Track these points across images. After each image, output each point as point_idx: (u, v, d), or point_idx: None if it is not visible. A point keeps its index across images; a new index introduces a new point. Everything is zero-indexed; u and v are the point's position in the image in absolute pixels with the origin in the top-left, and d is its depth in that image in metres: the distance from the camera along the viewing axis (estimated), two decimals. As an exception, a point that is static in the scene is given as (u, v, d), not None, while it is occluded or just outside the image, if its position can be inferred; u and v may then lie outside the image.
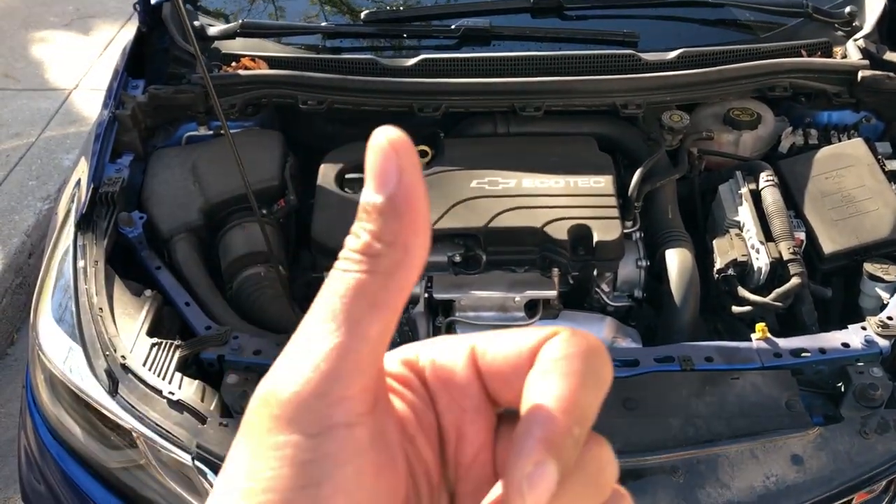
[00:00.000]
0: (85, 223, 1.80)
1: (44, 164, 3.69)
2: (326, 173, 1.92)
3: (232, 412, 1.49)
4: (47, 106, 4.11)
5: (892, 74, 2.01)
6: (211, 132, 2.10)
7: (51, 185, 3.54)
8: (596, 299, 1.83)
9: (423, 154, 1.98)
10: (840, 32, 2.20)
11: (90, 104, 4.13)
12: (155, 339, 1.60)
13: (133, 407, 1.48)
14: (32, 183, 3.55)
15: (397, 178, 0.37)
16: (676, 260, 1.78)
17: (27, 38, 4.78)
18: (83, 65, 4.48)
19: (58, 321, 1.64)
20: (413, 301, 1.78)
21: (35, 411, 1.68)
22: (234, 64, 2.11)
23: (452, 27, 2.16)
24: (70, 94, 4.21)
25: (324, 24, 2.27)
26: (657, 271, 1.85)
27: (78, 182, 1.93)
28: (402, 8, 2.33)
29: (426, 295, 1.76)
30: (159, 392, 1.49)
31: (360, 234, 0.38)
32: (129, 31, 4.80)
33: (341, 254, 0.37)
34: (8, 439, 2.76)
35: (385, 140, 0.37)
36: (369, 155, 0.37)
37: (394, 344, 1.39)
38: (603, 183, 1.85)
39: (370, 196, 0.37)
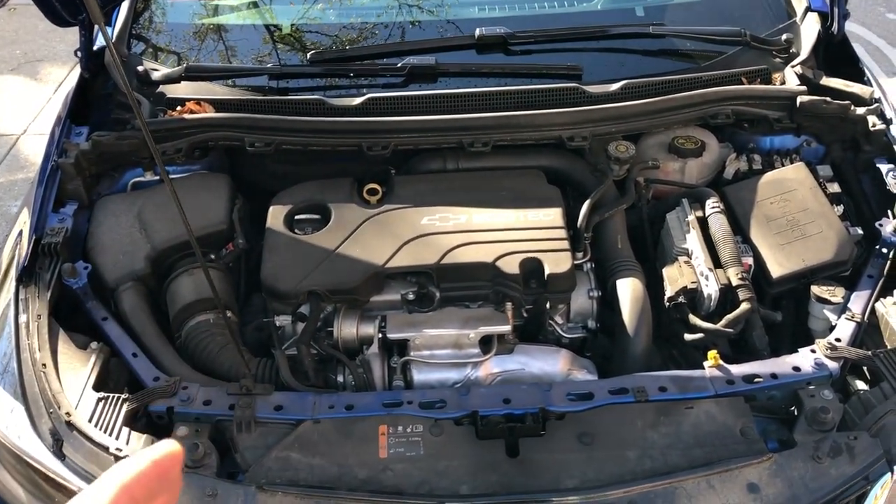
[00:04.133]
0: (27, 276, 1.75)
1: (-10, 211, 3.61)
2: (276, 215, 1.91)
3: (182, 466, 1.45)
4: (-6, 152, 4.04)
5: (829, 99, 2.06)
6: (157, 177, 2.07)
7: (-2, 233, 3.47)
8: (550, 332, 1.83)
9: (373, 192, 1.97)
10: (778, 59, 2.25)
11: (39, 150, 4.03)
12: (101, 394, 1.56)
13: (79, 466, 1.43)
14: (-21, 232, 3.47)
15: None
16: (628, 290, 1.79)
17: (-27, 83, 4.71)
18: (31, 110, 4.43)
19: (2, 384, 1.58)
20: (367, 342, 1.76)
21: (-23, 475, 1.62)
22: (179, 108, 2.09)
23: (399, 65, 2.16)
24: (18, 140, 4.15)
25: (270, 65, 2.26)
26: (609, 301, 1.85)
27: (20, 233, 1.88)
28: (347, 47, 2.33)
29: (380, 335, 1.75)
30: (106, 449, 1.45)
31: None
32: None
33: None
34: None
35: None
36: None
37: (349, 388, 1.37)
38: (552, 216, 1.86)
39: None
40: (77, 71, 2.16)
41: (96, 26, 2.17)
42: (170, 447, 0.61)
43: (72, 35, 2.04)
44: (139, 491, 0.58)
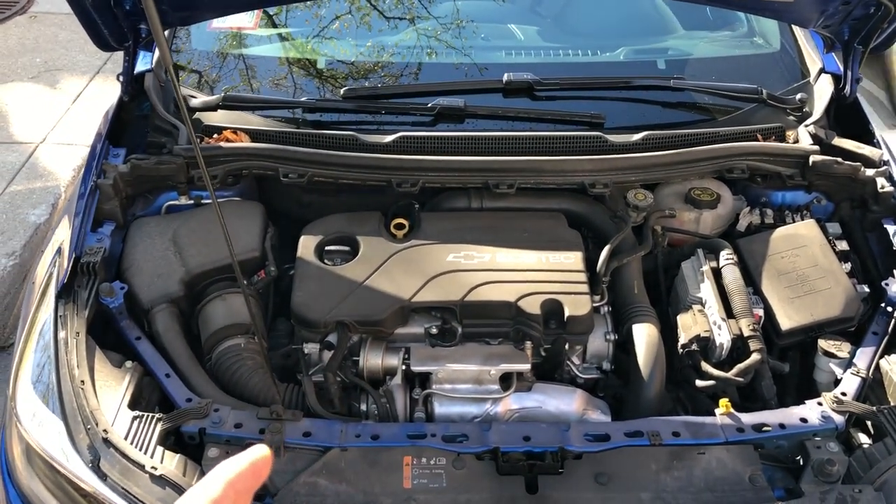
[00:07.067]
0: (66, 293, 1.81)
1: (9, 219, 3.66)
2: (306, 245, 1.98)
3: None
4: (13, 160, 4.09)
5: (840, 160, 2.15)
6: (191, 202, 2.14)
7: (16, 240, 3.52)
8: (566, 371, 1.90)
9: (400, 227, 2.05)
10: (792, 117, 2.34)
11: (57, 159, 4.14)
12: (136, 412, 1.61)
13: (115, 482, 1.48)
14: (-3, 238, 3.52)
15: None
16: (643, 335, 1.86)
17: (-7, 90, 4.77)
18: (50, 119, 4.48)
19: (40, 396, 1.64)
20: (391, 373, 1.82)
21: (10, 484, 1.67)
22: (216, 136, 2.16)
23: (429, 105, 2.25)
24: (37, 149, 4.21)
25: (304, 98, 2.34)
26: (623, 343, 1.92)
27: (59, 250, 1.94)
28: (380, 86, 2.42)
29: (404, 367, 1.81)
30: (142, 467, 1.51)
31: None
32: (97, 86, 4.86)
33: None
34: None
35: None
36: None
37: (371, 416, 1.47)
38: (573, 259, 1.94)
39: None
40: (100, 80, 2.23)
41: (139, 53, 2.25)
42: (263, 451, 0.70)
43: (92, 46, 2.09)
44: (241, 486, 0.66)
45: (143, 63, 2.37)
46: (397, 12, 2.73)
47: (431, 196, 2.18)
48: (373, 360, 1.83)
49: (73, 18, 2.00)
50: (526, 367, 1.81)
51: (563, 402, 1.79)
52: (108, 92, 4.78)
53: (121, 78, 2.28)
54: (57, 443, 1.55)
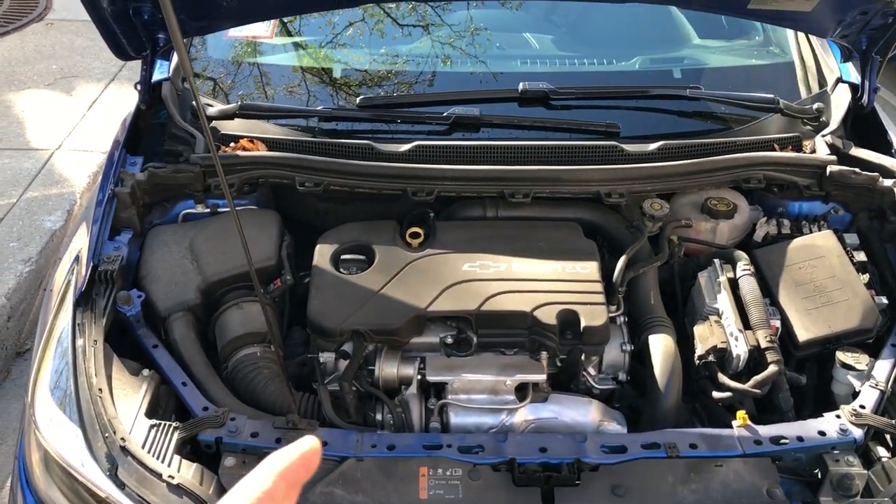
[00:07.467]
0: (84, 301, 1.82)
1: (25, 225, 3.69)
2: (322, 254, 1.98)
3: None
4: (29, 166, 4.13)
5: (857, 170, 2.14)
6: (208, 210, 2.15)
7: (32, 246, 3.55)
8: (582, 382, 1.90)
9: (415, 236, 2.05)
10: (808, 127, 2.33)
11: (73, 165, 4.17)
12: (154, 421, 1.62)
13: (133, 491, 1.49)
14: (13, 244, 3.55)
15: None
16: (660, 346, 1.85)
17: (10, 97, 4.81)
18: (66, 125, 4.52)
19: (58, 403, 1.65)
20: (406, 382, 1.82)
21: (28, 491, 1.68)
22: (232, 144, 2.17)
23: (444, 114, 2.25)
24: (52, 155, 4.24)
25: (320, 107, 2.35)
26: (639, 354, 1.92)
27: (77, 258, 1.95)
28: (395, 94, 2.43)
29: (419, 377, 1.81)
30: (159, 475, 1.51)
31: None
32: (113, 93, 4.89)
33: None
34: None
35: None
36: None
37: (387, 426, 1.48)
38: (589, 269, 1.93)
39: None
40: (115, 87, 2.23)
41: (156, 62, 2.26)
42: (313, 443, 0.70)
43: (107, 53, 2.11)
44: (292, 478, 0.67)
45: (160, 72, 2.38)
46: (412, 21, 2.74)
47: (446, 205, 2.18)
48: (388, 369, 1.83)
49: (89, 25, 2.01)
50: (542, 377, 1.80)
51: (579, 412, 1.79)
52: (123, 99, 4.82)
53: (138, 86, 2.30)
54: (75, 450, 1.56)
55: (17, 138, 4.39)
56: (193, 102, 2.29)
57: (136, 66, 2.30)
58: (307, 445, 0.69)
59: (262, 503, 0.63)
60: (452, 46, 2.61)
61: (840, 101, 2.36)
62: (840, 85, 2.40)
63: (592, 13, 2.87)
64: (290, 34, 2.75)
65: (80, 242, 2.01)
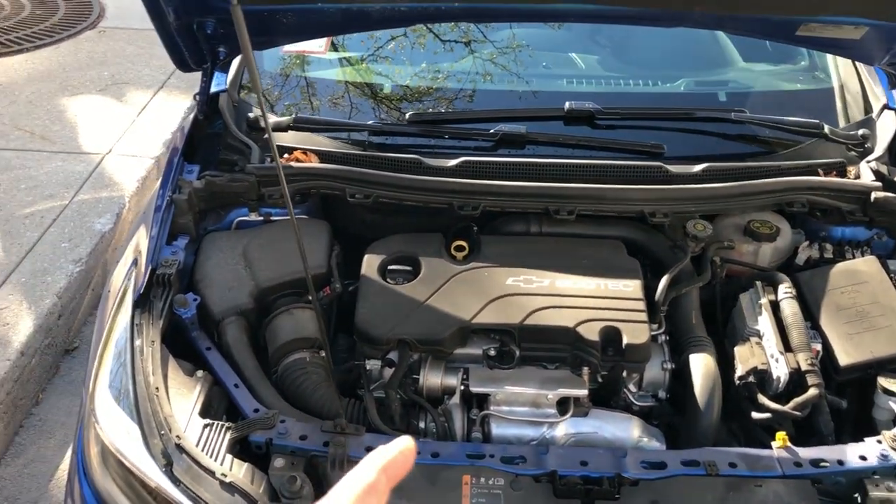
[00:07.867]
0: (142, 302, 1.90)
1: (76, 226, 3.81)
2: (370, 264, 2.03)
3: (279, 496, 1.57)
4: (81, 169, 4.26)
5: (902, 197, 2.15)
6: (261, 218, 2.22)
7: (83, 248, 3.66)
8: (622, 398, 1.92)
9: (460, 249, 2.10)
10: (853, 153, 2.35)
11: (122, 169, 4.29)
12: (207, 420, 1.68)
13: (187, 487, 1.55)
14: (65, 245, 3.66)
15: None
16: (701, 365, 1.88)
17: (64, 102, 4.96)
18: (116, 130, 4.65)
19: (115, 400, 1.72)
20: (449, 392, 1.87)
21: (85, 482, 1.75)
22: (286, 156, 2.24)
23: (491, 131, 2.30)
24: (103, 159, 4.36)
25: (371, 122, 2.41)
26: (680, 372, 1.94)
27: (135, 261, 2.03)
28: (443, 110, 2.48)
29: (462, 387, 1.85)
30: (212, 473, 1.57)
31: None
32: (162, 99, 5.03)
33: None
34: (28, 500, 2.80)
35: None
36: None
37: (430, 434, 1.53)
38: (632, 287, 1.96)
39: None
40: (164, 94, 2.31)
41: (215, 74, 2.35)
42: (409, 442, 0.74)
43: (157, 61, 2.21)
44: (391, 473, 0.71)
45: (216, 84, 2.46)
46: (461, 39, 2.80)
47: (490, 219, 2.23)
48: (432, 379, 1.88)
49: (141, 34, 2.11)
50: (583, 392, 1.83)
51: (619, 428, 1.81)
52: (171, 105, 4.95)
53: (197, 97, 2.38)
54: (132, 446, 1.63)
55: (70, 142, 4.53)
56: (250, 114, 2.37)
57: (183, 74, 2.38)
58: (404, 444, 0.74)
59: (367, 494, 0.68)
60: (498, 64, 2.67)
61: (886, 128, 2.37)
62: (886, 111, 2.41)
63: (638, 35, 2.91)
64: (338, 50, 2.83)
65: (139, 246, 2.08)
